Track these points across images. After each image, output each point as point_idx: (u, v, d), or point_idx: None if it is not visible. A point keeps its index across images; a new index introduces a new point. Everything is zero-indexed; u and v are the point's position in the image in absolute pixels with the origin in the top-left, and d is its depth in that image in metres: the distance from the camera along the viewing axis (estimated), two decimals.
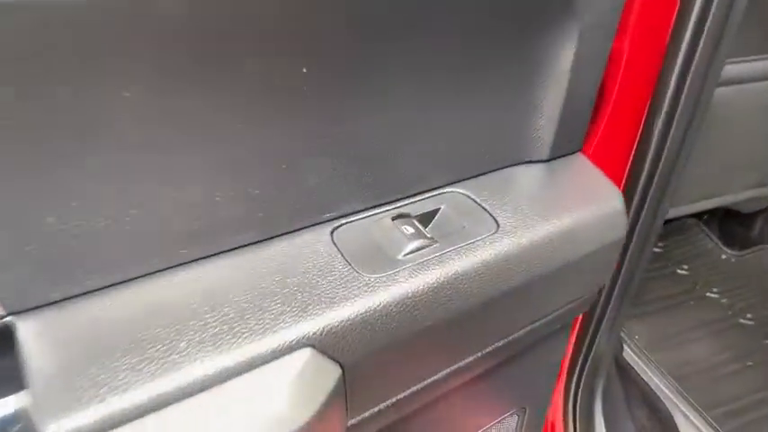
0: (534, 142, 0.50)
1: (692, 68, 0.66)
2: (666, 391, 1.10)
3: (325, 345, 0.35)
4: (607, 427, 1.00)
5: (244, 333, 0.33)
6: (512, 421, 0.70)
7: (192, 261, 0.37)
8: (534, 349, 0.59)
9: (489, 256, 0.42)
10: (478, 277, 0.41)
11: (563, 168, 0.52)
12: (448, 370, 0.45)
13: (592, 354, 0.93)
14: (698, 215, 1.59)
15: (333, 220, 0.42)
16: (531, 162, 0.52)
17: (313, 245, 0.40)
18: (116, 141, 0.29)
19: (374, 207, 0.44)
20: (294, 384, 0.32)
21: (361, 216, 0.44)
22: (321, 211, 0.41)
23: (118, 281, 0.34)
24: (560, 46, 0.44)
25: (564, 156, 0.53)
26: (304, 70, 0.33)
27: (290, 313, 0.34)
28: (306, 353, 0.34)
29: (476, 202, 0.47)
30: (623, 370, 1.13)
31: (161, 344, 0.31)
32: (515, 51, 0.43)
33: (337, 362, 0.36)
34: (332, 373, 0.35)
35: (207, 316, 0.34)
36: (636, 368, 1.14)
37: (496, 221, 0.45)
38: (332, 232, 0.42)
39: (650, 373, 1.13)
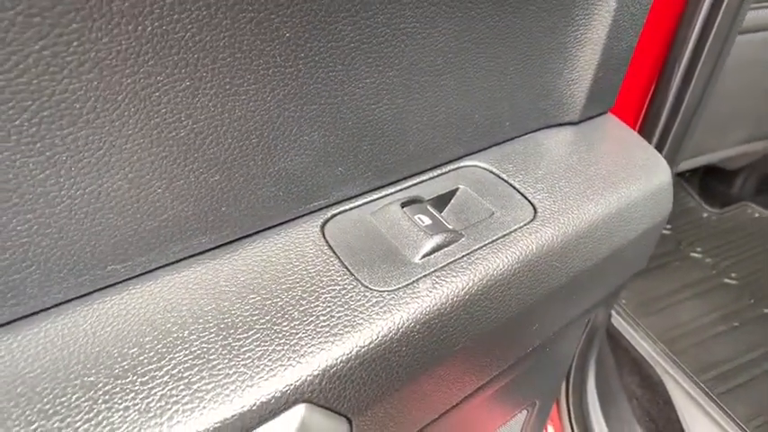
0: (564, 102, 0.40)
1: (720, 13, 0.57)
2: (656, 357, 1.07)
3: (325, 395, 0.25)
4: (599, 397, 0.96)
5: (207, 391, 0.22)
6: (521, 415, 0.63)
7: (126, 280, 0.25)
8: (554, 344, 0.50)
9: (530, 251, 0.32)
10: (518, 280, 0.31)
11: (597, 132, 0.42)
12: (474, 389, 0.36)
13: (587, 328, 0.88)
14: (680, 173, 1.55)
15: (323, 209, 0.31)
16: (559, 126, 0.42)
17: (299, 246, 0.29)
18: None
19: (375, 190, 0.33)
20: None
21: (359, 202, 0.33)
22: (308, 199, 0.30)
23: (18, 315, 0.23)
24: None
25: (595, 117, 0.43)
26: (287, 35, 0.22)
27: (274, 354, 0.24)
28: (300, 411, 0.23)
29: (501, 178, 0.36)
30: (613, 338, 1.09)
31: (80, 418, 0.20)
32: (550, 4, 0.33)
33: (343, 415, 0.26)
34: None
35: (151, 367, 0.22)
36: (625, 335, 1.10)
37: (532, 205, 0.34)
38: (323, 226, 0.31)
39: (639, 339, 1.10)
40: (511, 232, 0.32)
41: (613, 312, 1.15)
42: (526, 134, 0.40)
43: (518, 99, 0.37)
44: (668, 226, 1.45)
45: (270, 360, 0.23)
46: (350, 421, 0.26)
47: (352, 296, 0.27)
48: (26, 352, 0.22)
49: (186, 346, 0.23)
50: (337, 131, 0.28)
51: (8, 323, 0.23)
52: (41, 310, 0.24)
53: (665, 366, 1.06)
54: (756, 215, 1.50)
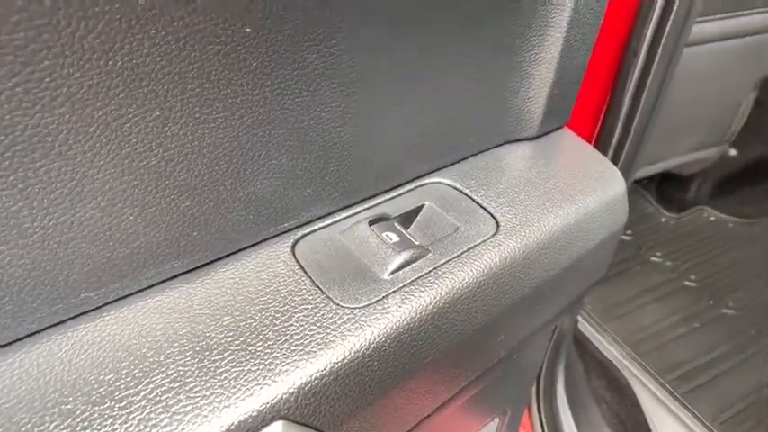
0: (522, 118, 0.41)
1: (668, 27, 0.60)
2: (623, 360, 1.09)
3: (301, 412, 0.25)
4: (569, 402, 0.98)
5: (186, 413, 0.22)
6: (493, 423, 0.63)
7: (100, 307, 0.26)
8: (521, 353, 0.51)
9: (493, 264, 0.33)
10: (483, 292, 0.32)
11: (554, 146, 0.43)
12: (444, 400, 0.37)
13: (554, 335, 0.89)
14: (637, 180, 1.60)
15: (293, 229, 0.32)
16: (518, 141, 0.43)
17: (271, 267, 0.29)
18: None
19: (343, 209, 0.34)
20: None
21: (328, 222, 0.33)
22: (278, 221, 0.30)
23: None
24: (554, 16, 0.36)
25: (551, 132, 0.44)
26: (247, 30, 0.23)
27: (249, 374, 0.24)
28: (277, 428, 0.24)
29: (465, 194, 0.37)
30: (580, 344, 1.11)
31: None
32: (504, 11, 0.34)
33: (319, 431, 0.26)
34: None
35: (129, 392, 0.23)
36: (592, 340, 1.13)
37: (495, 219, 0.36)
38: (293, 247, 0.31)
39: (606, 344, 1.12)
40: (475, 246, 0.33)
41: (579, 318, 1.17)
42: (487, 150, 0.42)
43: (478, 117, 0.39)
44: (628, 232, 1.49)
45: (246, 380, 0.24)
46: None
47: (323, 314, 0.27)
48: (1, 383, 0.22)
49: (163, 369, 0.24)
50: (305, 155, 0.28)
51: None
52: (16, 340, 0.24)
53: (632, 369, 1.08)
54: (712, 218, 1.57)
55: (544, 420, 0.95)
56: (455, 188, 0.38)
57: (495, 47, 0.35)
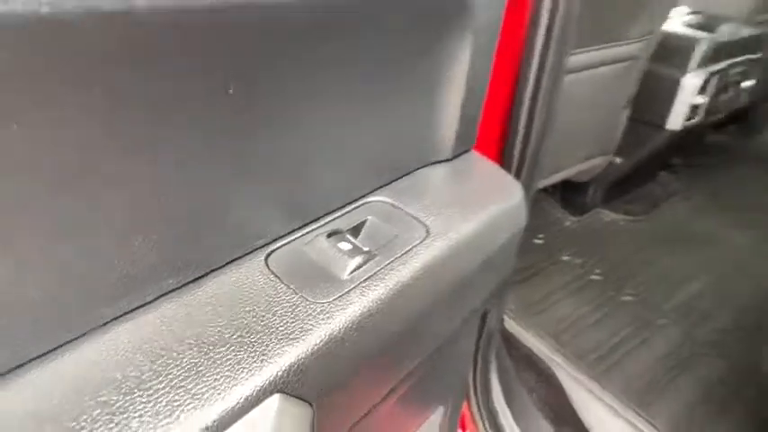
0: (439, 143, 0.51)
1: (549, 59, 0.72)
2: (546, 351, 1.21)
3: (292, 386, 0.31)
4: (504, 395, 1.07)
5: (203, 394, 0.28)
6: (435, 417, 0.70)
7: (111, 321, 0.30)
8: (453, 345, 0.59)
9: (427, 260, 0.41)
10: (421, 283, 0.40)
11: (465, 166, 0.53)
12: (396, 381, 0.44)
13: (485, 332, 0.99)
14: (543, 189, 1.79)
15: (264, 246, 0.38)
16: (438, 162, 0.52)
17: (250, 277, 0.36)
18: None
19: (304, 226, 0.41)
20: None
21: (292, 238, 0.40)
22: (252, 239, 0.37)
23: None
24: (458, 47, 0.45)
25: (462, 154, 0.53)
26: (231, 92, 0.29)
27: (249, 360, 0.30)
28: (275, 399, 0.30)
29: (399, 208, 0.46)
30: (508, 340, 1.22)
31: (103, 428, 0.25)
32: (418, 57, 0.43)
33: (306, 401, 0.32)
34: (305, 416, 0.32)
35: (153, 383, 0.28)
36: (518, 336, 1.24)
37: (426, 226, 0.44)
38: (266, 259, 0.37)
39: (530, 338, 1.24)
40: (412, 248, 0.41)
41: (505, 317, 1.28)
42: (413, 171, 0.50)
43: (405, 146, 0.48)
44: (540, 236, 1.66)
45: (246, 364, 0.30)
46: (311, 405, 0.32)
47: (300, 309, 0.34)
48: (47, 384, 0.27)
49: (177, 363, 0.29)
50: (272, 186, 0.35)
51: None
52: (56, 348, 0.28)
53: (554, 358, 1.21)
54: (608, 219, 1.78)
55: (483, 414, 1.04)
56: (391, 204, 0.46)
57: (417, 87, 0.44)
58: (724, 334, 1.33)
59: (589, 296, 1.44)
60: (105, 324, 0.30)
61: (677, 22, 1.45)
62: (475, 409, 1.05)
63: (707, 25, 1.44)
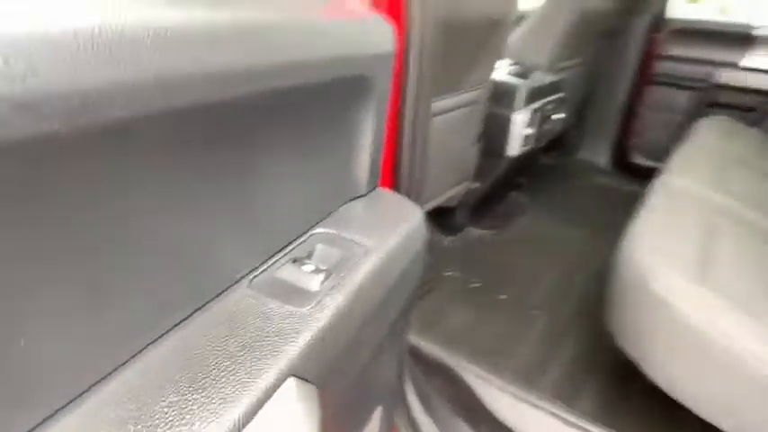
0: (356, 184, 0.67)
1: (420, 108, 0.92)
2: (448, 356, 1.38)
3: (300, 371, 0.41)
4: (421, 402, 1.20)
5: (243, 383, 0.37)
6: (373, 423, 0.82)
7: (135, 356, 0.38)
8: (385, 347, 0.72)
9: (369, 270, 0.55)
10: (367, 288, 0.54)
11: (377, 198, 0.69)
12: (352, 379, 0.56)
13: (400, 347, 1.13)
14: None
15: (246, 275, 0.49)
16: (356, 198, 0.67)
17: (243, 300, 0.46)
18: None
19: (273, 256, 0.53)
20: (298, 412, 0.39)
21: (265, 267, 0.51)
22: (234, 272, 0.48)
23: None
24: (364, 112, 0.61)
25: (373, 189, 0.69)
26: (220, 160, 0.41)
27: (266, 356, 0.40)
28: (292, 381, 0.40)
29: (339, 235, 0.59)
30: (415, 353, 1.37)
31: (175, 418, 0.33)
32: (340, 124, 0.59)
33: (311, 382, 0.43)
34: (314, 393, 0.42)
35: (202, 387, 0.36)
36: (421, 347, 1.40)
37: (363, 246, 0.58)
38: (250, 284, 0.48)
39: (434, 347, 1.40)
40: (357, 263, 0.54)
41: (412, 332, 1.44)
42: (340, 206, 0.64)
43: (334, 189, 0.63)
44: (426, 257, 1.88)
45: (265, 359, 0.40)
46: (315, 385, 0.43)
47: (292, 315, 0.45)
48: (114, 398, 0.34)
49: (211, 373, 0.38)
50: (246, 231, 0.47)
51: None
52: (108, 374, 0.35)
53: (457, 360, 1.38)
54: (476, 235, 2.07)
55: (409, 421, 1.16)
56: (332, 233, 0.59)
57: (339, 145, 0.60)
58: (580, 314, 1.65)
59: (473, 301, 1.67)
60: (136, 355, 0.38)
61: (503, 71, 1.82)
62: (400, 414, 1.16)
63: (523, 74, 1.84)
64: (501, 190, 2.31)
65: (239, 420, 0.35)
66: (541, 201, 2.43)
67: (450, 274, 1.79)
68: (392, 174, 0.94)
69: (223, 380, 0.37)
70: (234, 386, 0.37)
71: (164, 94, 0.30)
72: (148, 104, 0.29)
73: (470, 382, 1.32)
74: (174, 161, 0.35)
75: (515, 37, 2.03)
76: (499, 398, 1.25)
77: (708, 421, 0.89)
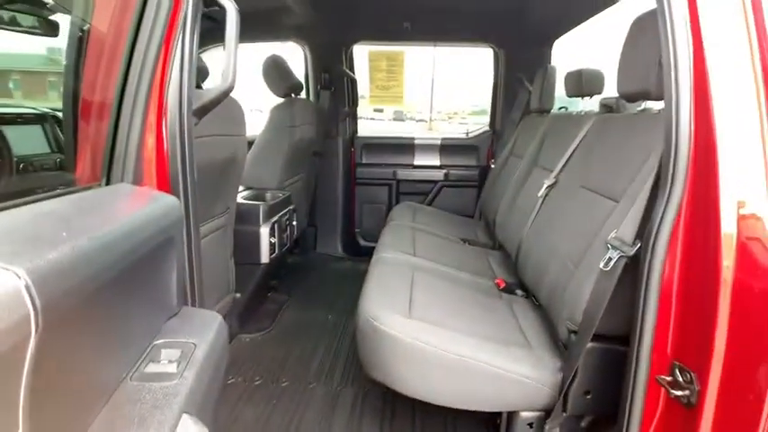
0: (172, 307, 0.91)
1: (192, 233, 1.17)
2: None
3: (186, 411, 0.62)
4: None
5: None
6: None
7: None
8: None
9: (203, 356, 0.78)
10: (204, 365, 0.77)
11: (187, 314, 0.93)
12: None
13: None
14: None
15: (125, 377, 0.70)
16: (174, 315, 0.90)
17: (131, 389, 0.64)
18: None
19: (136, 362, 0.73)
20: None
21: (135, 368, 0.73)
22: (118, 377, 0.68)
23: None
24: (172, 260, 0.86)
25: (184, 306, 0.93)
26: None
27: (166, 409, 0.60)
28: (186, 417, 0.61)
29: (175, 340, 0.81)
30: None
31: None
32: (157, 272, 0.82)
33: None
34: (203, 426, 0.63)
35: None
36: None
37: (192, 343, 0.81)
38: (131, 381, 0.69)
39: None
40: (193, 353, 0.77)
41: None
42: (167, 321, 0.86)
43: (162, 314, 0.83)
44: None
45: (161, 411, 0.60)
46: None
47: (166, 388, 0.65)
48: None
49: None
50: (120, 354, 0.68)
51: None
52: None
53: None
54: (248, 339, 2.28)
55: None
56: (168, 340, 0.81)
57: (158, 287, 0.82)
58: (351, 375, 2.00)
59: (259, 396, 1.83)
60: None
61: (243, 195, 2.21)
62: None
63: (260, 196, 2.26)
64: (261, 294, 2.60)
65: None
66: (298, 294, 2.81)
67: (230, 381, 1.94)
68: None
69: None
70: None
71: None
72: None
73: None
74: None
75: (246, 165, 2.46)
76: None
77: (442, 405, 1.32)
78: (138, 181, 0.90)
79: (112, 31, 0.85)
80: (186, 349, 0.78)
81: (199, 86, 1.22)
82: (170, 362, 0.72)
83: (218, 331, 0.90)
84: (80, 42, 0.90)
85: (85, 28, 0.90)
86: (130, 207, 0.79)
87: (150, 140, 0.94)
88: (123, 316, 0.68)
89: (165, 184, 1.01)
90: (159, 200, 0.83)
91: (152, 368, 0.71)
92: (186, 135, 1.03)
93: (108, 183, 0.86)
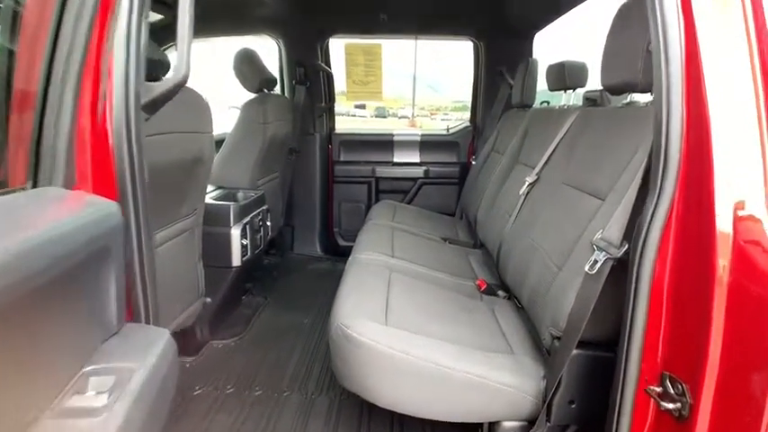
0: (110, 324, 0.81)
1: (143, 242, 1.06)
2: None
3: None
4: None
5: None
6: None
7: None
8: None
9: (140, 383, 0.69)
10: (142, 395, 0.67)
11: (128, 332, 0.83)
12: None
13: None
14: None
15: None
16: (112, 335, 0.80)
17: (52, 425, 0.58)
18: None
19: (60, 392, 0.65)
20: None
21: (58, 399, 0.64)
22: (39, 408, 0.60)
23: None
24: (110, 271, 0.77)
25: (123, 326, 0.83)
26: None
27: None
28: None
29: (108, 366, 0.72)
30: None
31: None
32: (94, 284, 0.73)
33: None
34: None
35: None
36: None
37: (129, 369, 0.71)
38: (53, 414, 0.60)
39: None
40: (128, 381, 0.68)
41: None
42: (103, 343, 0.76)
43: (95, 333, 0.73)
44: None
45: None
46: None
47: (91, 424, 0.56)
48: None
49: None
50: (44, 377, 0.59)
51: None
52: None
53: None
54: (220, 346, 2.17)
55: None
56: (101, 366, 0.72)
57: (95, 303, 0.72)
58: (328, 383, 1.92)
59: (231, 405, 1.75)
60: None
61: (212, 195, 2.09)
62: None
63: (231, 195, 2.15)
64: (234, 298, 2.49)
65: None
66: (274, 297, 2.71)
67: (200, 391, 1.84)
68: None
69: None
70: None
71: None
72: None
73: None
74: None
75: (215, 164, 2.34)
76: None
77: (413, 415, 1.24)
78: (69, 184, 0.79)
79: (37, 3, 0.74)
80: (121, 376, 0.68)
81: (157, 79, 1.12)
82: (98, 393, 0.63)
83: (165, 350, 0.80)
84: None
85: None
86: (54, 214, 0.69)
87: (86, 137, 0.83)
88: (41, 339, 0.58)
89: (108, 187, 0.91)
90: (93, 205, 0.73)
91: (75, 401, 0.62)
92: (134, 132, 0.92)
93: (35, 186, 0.76)
